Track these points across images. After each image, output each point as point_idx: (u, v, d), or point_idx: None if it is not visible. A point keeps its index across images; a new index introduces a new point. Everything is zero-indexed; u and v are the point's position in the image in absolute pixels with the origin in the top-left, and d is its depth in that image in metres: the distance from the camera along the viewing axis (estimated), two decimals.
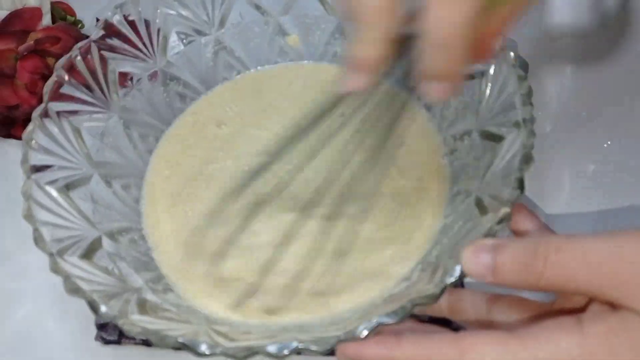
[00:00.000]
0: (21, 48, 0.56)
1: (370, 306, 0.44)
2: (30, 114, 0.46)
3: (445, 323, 0.45)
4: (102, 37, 0.51)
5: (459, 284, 0.47)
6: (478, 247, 0.36)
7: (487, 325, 0.40)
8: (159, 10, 0.53)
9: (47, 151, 0.46)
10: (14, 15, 0.58)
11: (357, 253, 0.47)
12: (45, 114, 0.47)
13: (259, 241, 0.48)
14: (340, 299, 0.45)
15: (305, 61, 0.59)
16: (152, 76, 0.54)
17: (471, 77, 0.48)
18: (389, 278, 0.46)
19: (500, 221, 0.38)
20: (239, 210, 0.48)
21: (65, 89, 0.48)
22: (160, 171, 0.53)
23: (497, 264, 0.34)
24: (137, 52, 0.53)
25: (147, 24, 0.53)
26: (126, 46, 0.52)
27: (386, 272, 0.46)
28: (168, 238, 0.49)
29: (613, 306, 0.33)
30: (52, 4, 0.60)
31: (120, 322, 0.37)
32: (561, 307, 0.38)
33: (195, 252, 0.47)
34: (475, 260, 0.35)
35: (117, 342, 0.48)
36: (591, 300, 0.35)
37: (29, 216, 0.42)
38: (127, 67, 0.53)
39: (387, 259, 0.47)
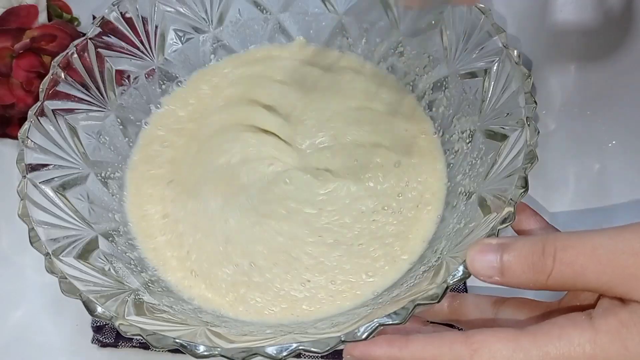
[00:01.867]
0: (17, 46, 0.56)
1: (364, 308, 0.44)
2: (26, 113, 0.46)
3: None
4: (99, 35, 0.51)
5: (462, 287, 0.47)
6: (483, 246, 0.35)
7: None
8: (156, 8, 0.53)
9: (43, 150, 0.45)
10: (10, 13, 0.57)
11: (351, 254, 0.47)
12: (41, 113, 0.46)
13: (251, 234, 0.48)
14: (334, 300, 0.45)
15: None
16: (149, 74, 0.54)
17: (474, 75, 0.48)
18: (382, 279, 0.46)
19: (503, 221, 0.38)
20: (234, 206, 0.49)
21: (62, 87, 0.48)
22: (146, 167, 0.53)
23: (504, 263, 0.34)
24: (134, 50, 0.53)
25: (144, 21, 0.53)
26: (123, 44, 0.52)
27: (379, 274, 0.46)
28: (157, 233, 0.49)
29: (623, 301, 0.33)
30: (48, 1, 0.59)
31: (117, 323, 0.37)
32: (569, 304, 0.37)
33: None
34: (481, 260, 0.35)
35: (114, 344, 0.48)
36: (600, 296, 0.34)
37: (24, 216, 0.41)
38: (124, 65, 0.52)
39: (382, 259, 0.47)
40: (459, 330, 0.45)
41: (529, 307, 0.39)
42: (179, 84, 0.56)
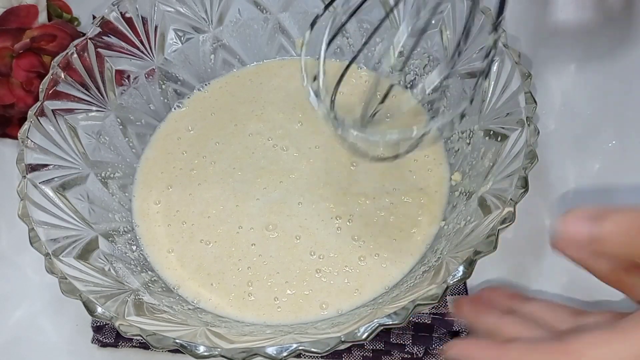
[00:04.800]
0: (17, 46, 0.56)
1: (366, 308, 0.44)
2: (26, 113, 0.46)
3: (446, 324, 0.45)
4: (99, 35, 0.51)
5: (462, 287, 0.47)
6: (578, 215, 0.33)
7: None
8: (156, 8, 0.53)
9: (43, 150, 0.45)
10: (10, 13, 0.57)
11: (352, 254, 0.47)
12: (41, 113, 0.46)
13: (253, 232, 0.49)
14: (334, 300, 0.45)
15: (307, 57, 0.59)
16: (149, 74, 0.54)
17: (474, 75, 0.48)
18: (383, 280, 0.46)
19: (503, 221, 0.38)
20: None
21: (62, 87, 0.48)
22: (151, 167, 0.53)
23: (602, 232, 0.32)
24: (134, 50, 0.53)
25: (144, 21, 0.53)
26: (123, 44, 0.52)
27: (380, 274, 0.46)
28: (158, 233, 0.50)
29: None
30: (48, 1, 0.59)
31: (117, 324, 0.37)
32: None
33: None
34: (575, 228, 0.32)
35: (114, 344, 0.48)
36: None
37: (24, 216, 0.41)
38: (124, 65, 0.52)
39: (382, 259, 0.47)
40: (457, 328, 0.45)
41: (615, 317, 0.36)
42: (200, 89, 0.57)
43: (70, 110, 0.48)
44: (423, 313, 0.45)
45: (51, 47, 0.56)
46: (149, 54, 0.53)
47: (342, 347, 0.35)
